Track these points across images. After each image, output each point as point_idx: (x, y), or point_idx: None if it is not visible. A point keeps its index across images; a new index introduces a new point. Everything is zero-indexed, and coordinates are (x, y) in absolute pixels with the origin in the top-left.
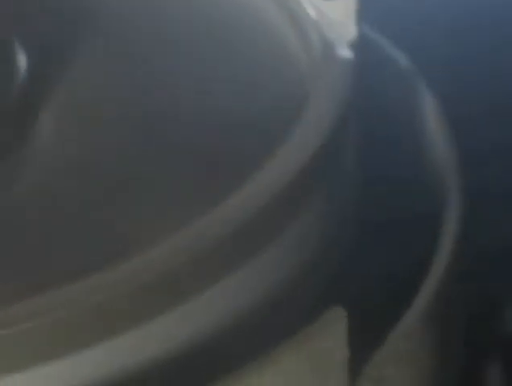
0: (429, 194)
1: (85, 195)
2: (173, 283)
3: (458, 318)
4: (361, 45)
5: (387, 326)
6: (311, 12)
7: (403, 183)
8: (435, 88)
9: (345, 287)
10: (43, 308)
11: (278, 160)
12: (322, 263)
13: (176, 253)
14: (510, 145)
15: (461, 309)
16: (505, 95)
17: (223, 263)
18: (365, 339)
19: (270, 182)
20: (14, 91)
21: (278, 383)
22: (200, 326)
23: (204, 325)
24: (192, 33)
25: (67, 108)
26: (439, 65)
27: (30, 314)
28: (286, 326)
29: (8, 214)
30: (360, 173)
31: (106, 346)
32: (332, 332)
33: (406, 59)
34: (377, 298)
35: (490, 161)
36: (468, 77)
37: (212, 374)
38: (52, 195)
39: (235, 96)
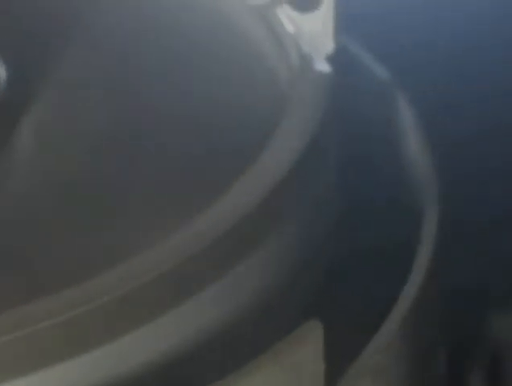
0: (406, 211)
1: (64, 210)
2: (148, 298)
3: (434, 331)
4: (340, 58)
5: (363, 339)
6: (290, 26)
7: (381, 201)
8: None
9: (322, 300)
10: (26, 320)
11: (250, 179)
12: (299, 277)
13: (152, 267)
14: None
15: (437, 322)
16: (494, 116)
17: (199, 277)
18: (341, 352)
19: (243, 200)
20: None
21: None
22: (176, 340)
23: (179, 340)
24: (169, 46)
25: (46, 120)
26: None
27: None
28: (264, 339)
29: None
30: (337, 191)
31: (82, 361)
32: (309, 344)
33: (385, 71)
34: (354, 311)
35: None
36: (456, 98)
37: None
38: (31, 207)
39: (212, 111)
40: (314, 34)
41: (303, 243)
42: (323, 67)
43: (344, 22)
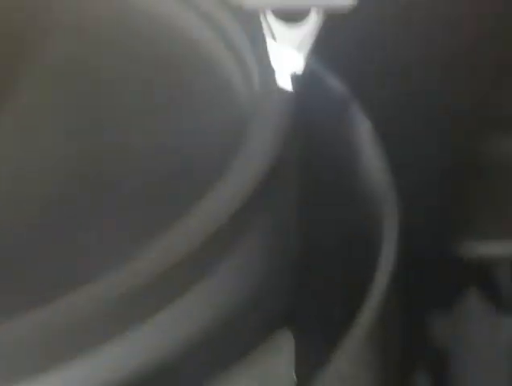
0: (365, 218)
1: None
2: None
3: (397, 340)
4: (302, 75)
5: (330, 348)
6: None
7: (341, 209)
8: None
9: (292, 311)
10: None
11: (212, 200)
12: (268, 290)
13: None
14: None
15: (400, 329)
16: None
17: (170, 290)
18: (310, 361)
19: (212, 217)
20: None
21: None
22: (148, 351)
23: (151, 351)
24: (126, 66)
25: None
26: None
27: None
28: (235, 351)
29: None
30: (298, 204)
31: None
32: (280, 354)
33: (342, 86)
34: (321, 322)
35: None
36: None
37: None
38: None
39: (171, 135)
40: (288, 49)
41: (269, 257)
42: (285, 85)
43: None
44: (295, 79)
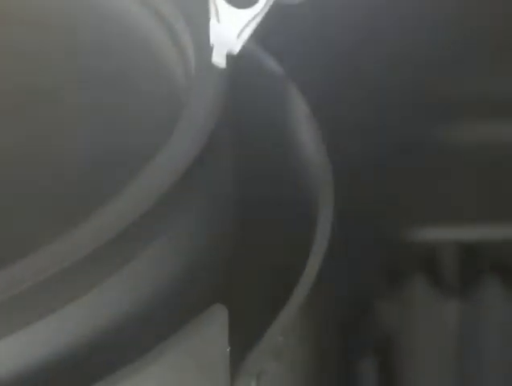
0: (301, 202)
1: None
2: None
3: (332, 315)
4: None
5: (265, 322)
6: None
7: (277, 197)
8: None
9: (225, 285)
10: None
11: (146, 178)
12: (201, 263)
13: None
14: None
15: (334, 306)
16: None
17: (104, 265)
18: (244, 334)
19: (142, 196)
20: None
21: (162, 381)
22: (79, 328)
23: (83, 327)
24: (70, 52)
25: None
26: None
27: None
28: (169, 325)
29: None
30: (233, 185)
31: None
32: (213, 328)
33: (278, 66)
34: (256, 295)
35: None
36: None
37: (95, 375)
38: None
39: (104, 115)
40: (229, 30)
41: (201, 233)
42: (220, 62)
43: None
44: (232, 60)
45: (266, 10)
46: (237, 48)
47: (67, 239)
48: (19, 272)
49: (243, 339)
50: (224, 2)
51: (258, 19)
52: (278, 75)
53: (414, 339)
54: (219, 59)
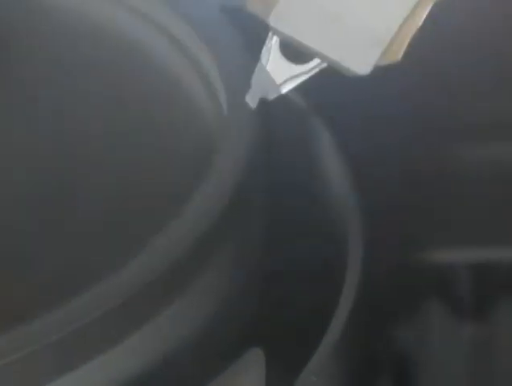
0: (330, 238)
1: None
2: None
3: (362, 352)
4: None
5: (300, 363)
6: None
7: (305, 229)
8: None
9: (261, 329)
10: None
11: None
12: (235, 309)
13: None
14: None
15: (368, 343)
16: None
17: (139, 313)
18: (281, 377)
19: (177, 241)
20: None
21: None
22: (119, 374)
23: (121, 373)
24: (102, 84)
25: None
26: None
27: None
28: (207, 372)
29: None
30: (266, 225)
31: None
32: (252, 373)
33: (304, 100)
34: (290, 340)
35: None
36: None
37: None
38: None
39: (137, 157)
40: (273, 78)
41: (237, 278)
42: (251, 103)
43: None
44: (265, 103)
45: (315, 70)
46: (273, 96)
47: (94, 292)
48: (59, 318)
49: (277, 382)
50: (278, 51)
51: (305, 77)
52: (305, 109)
53: (430, 362)
54: (251, 100)
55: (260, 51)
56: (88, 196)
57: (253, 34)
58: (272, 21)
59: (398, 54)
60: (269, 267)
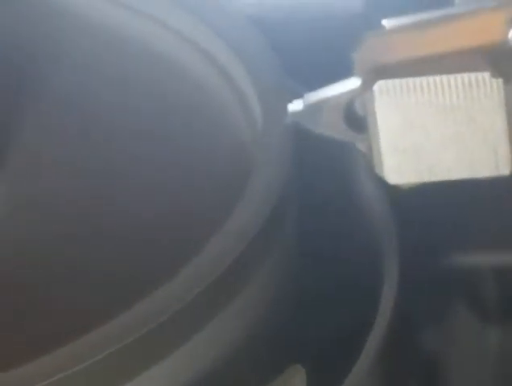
0: (367, 254)
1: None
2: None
3: (403, 367)
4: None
5: (339, 379)
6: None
7: (340, 244)
8: None
9: (304, 347)
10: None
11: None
12: (277, 326)
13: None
14: None
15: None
16: None
17: (178, 333)
18: None
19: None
20: None
21: None
22: None
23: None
24: (136, 106)
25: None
26: None
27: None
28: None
29: None
30: (302, 242)
31: None
32: None
33: None
34: (329, 355)
35: None
36: None
37: None
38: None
39: (174, 173)
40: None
41: (276, 295)
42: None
43: None
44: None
45: (356, 141)
46: (306, 127)
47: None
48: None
49: None
50: (343, 113)
51: (343, 139)
52: None
53: (457, 366)
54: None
55: (291, 64)
56: (128, 211)
57: (281, 44)
58: (377, 88)
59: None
60: (306, 284)
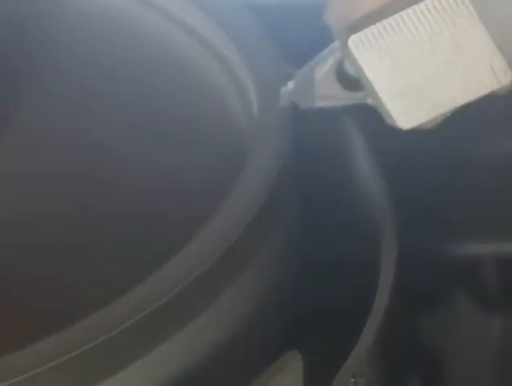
0: (364, 238)
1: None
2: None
3: (396, 350)
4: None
5: (337, 364)
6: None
7: (339, 226)
8: None
9: (301, 332)
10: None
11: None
12: (274, 312)
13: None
14: None
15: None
16: None
17: (179, 316)
18: (317, 380)
19: (216, 240)
20: None
21: None
22: (157, 377)
23: (160, 376)
24: (134, 92)
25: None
26: None
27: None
28: (245, 373)
29: None
30: (299, 223)
31: None
32: (289, 375)
33: None
34: (327, 340)
35: None
36: None
37: None
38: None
39: (171, 157)
40: (316, 93)
41: (273, 279)
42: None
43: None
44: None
45: (357, 102)
46: (305, 106)
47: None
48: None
49: (316, 382)
50: (334, 69)
51: (345, 103)
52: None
53: (457, 355)
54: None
55: (289, 51)
56: (125, 199)
57: (281, 31)
58: (352, 44)
59: (437, 124)
60: (304, 270)
